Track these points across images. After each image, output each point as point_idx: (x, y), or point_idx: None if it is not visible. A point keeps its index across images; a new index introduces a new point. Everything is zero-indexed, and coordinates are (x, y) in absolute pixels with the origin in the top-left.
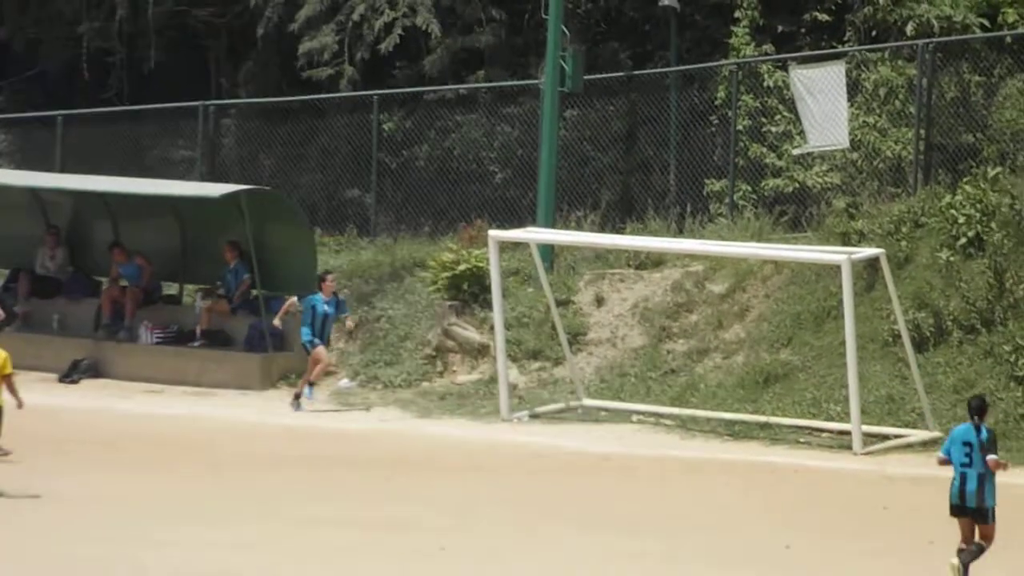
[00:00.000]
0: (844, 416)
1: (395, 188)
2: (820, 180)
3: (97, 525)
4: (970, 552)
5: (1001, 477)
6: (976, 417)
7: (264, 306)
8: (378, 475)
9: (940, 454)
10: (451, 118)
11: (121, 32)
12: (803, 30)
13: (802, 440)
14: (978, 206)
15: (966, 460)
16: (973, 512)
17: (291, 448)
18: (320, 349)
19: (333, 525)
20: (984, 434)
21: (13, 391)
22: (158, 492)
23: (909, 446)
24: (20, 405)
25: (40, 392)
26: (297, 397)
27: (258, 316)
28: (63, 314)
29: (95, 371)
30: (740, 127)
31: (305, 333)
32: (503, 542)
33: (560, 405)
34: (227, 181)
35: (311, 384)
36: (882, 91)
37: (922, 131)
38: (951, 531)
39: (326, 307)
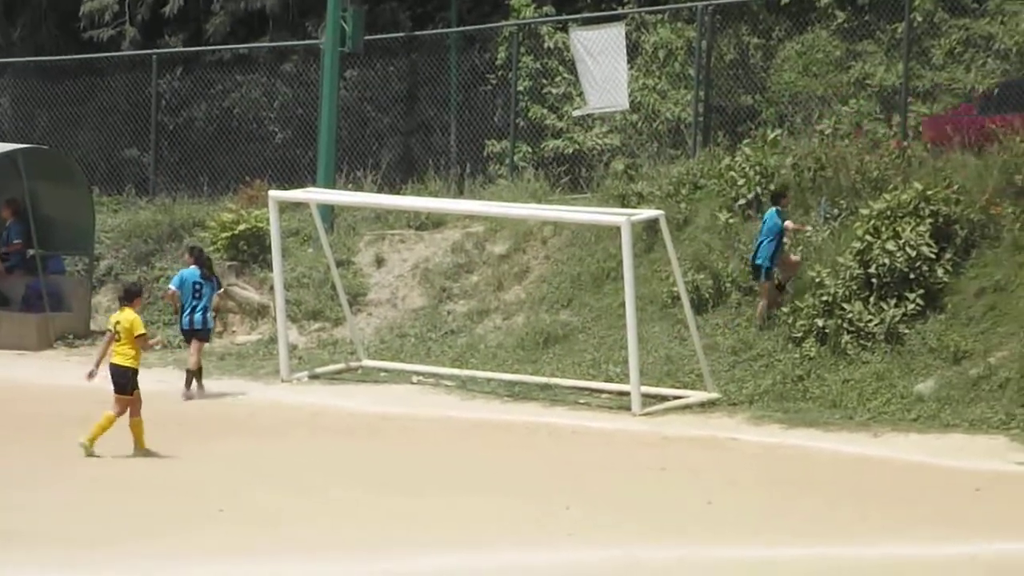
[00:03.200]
0: (623, 377)
1: (174, 148)
2: (600, 142)
3: None
4: None
5: (772, 437)
6: None
7: (41, 265)
8: (157, 436)
9: None
10: (231, 78)
11: None
12: None
13: (581, 401)
14: (757, 168)
15: None
16: None
17: (73, 409)
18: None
19: (114, 486)
20: None
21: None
22: None
23: (688, 407)
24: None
25: None
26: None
27: (35, 276)
28: None
29: None
30: (520, 88)
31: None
32: (283, 502)
33: (340, 366)
34: (3, 140)
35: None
36: (661, 53)
37: (701, 93)
38: (729, 491)
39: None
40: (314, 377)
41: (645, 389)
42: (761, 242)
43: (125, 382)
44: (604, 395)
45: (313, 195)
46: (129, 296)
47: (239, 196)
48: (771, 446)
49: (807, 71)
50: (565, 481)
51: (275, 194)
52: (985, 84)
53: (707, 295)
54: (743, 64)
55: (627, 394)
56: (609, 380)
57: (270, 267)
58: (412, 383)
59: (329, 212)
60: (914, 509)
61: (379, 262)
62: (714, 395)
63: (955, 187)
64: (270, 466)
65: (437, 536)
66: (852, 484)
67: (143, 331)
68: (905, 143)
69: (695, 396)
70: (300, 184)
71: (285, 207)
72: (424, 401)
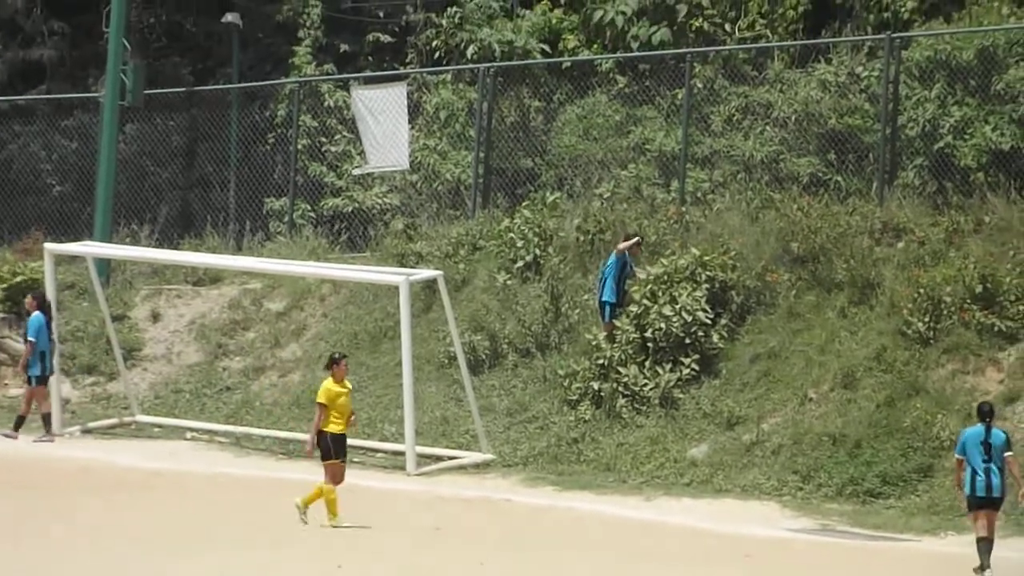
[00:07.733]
0: (399, 437)
1: None
2: (380, 201)
3: None
4: (987, 547)
5: (545, 499)
6: (988, 420)
7: None
8: None
9: (956, 455)
10: (9, 129)
11: None
12: (366, 51)
13: (356, 460)
14: (536, 230)
15: (987, 458)
16: (997, 503)
17: None
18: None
19: None
20: (1001, 435)
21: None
22: None
23: (462, 468)
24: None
25: None
26: None
27: None
28: None
29: None
30: (300, 146)
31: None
32: (49, 555)
33: (113, 420)
34: None
35: None
36: (443, 114)
37: (481, 154)
38: (502, 553)
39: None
40: (87, 431)
41: (420, 449)
42: (605, 279)
43: (325, 448)
44: (379, 454)
45: (89, 249)
46: (328, 364)
47: (15, 248)
48: (544, 508)
49: (587, 135)
50: (339, 540)
51: (51, 247)
52: (763, 152)
53: (484, 356)
54: (524, 127)
55: (402, 454)
56: (384, 439)
57: None
58: (186, 439)
59: (106, 266)
60: (685, 574)
61: (155, 317)
62: (489, 456)
63: (732, 253)
64: (38, 521)
65: None
66: (624, 548)
67: (320, 400)
68: (683, 208)
69: (470, 457)
70: (77, 237)
71: (61, 260)
72: (197, 457)
